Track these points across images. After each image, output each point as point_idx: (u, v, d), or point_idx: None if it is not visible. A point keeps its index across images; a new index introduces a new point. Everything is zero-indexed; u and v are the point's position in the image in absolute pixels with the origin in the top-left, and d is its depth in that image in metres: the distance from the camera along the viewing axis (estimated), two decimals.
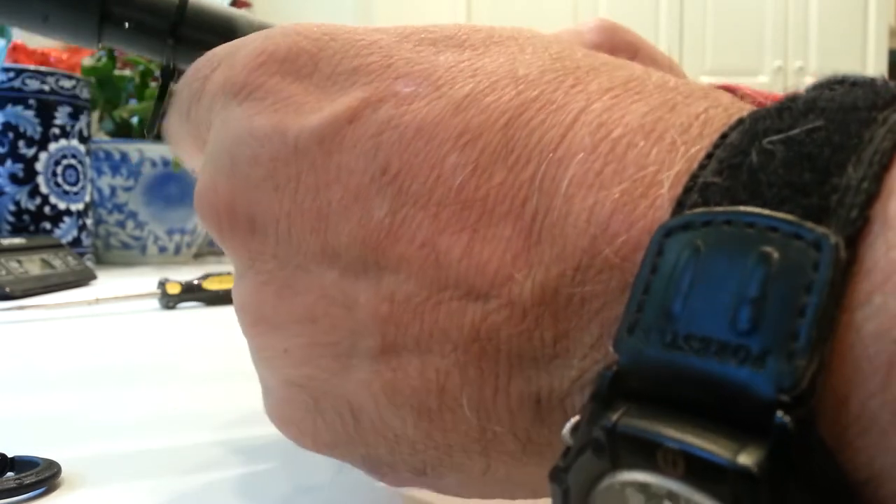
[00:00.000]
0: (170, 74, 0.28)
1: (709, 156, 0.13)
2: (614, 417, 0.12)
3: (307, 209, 0.17)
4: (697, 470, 0.11)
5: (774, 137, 0.12)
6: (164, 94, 0.28)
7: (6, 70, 0.83)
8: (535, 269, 0.14)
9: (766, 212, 0.11)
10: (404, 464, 0.18)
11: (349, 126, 0.17)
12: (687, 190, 0.13)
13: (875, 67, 2.81)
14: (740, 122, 0.13)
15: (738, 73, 2.80)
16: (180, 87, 0.22)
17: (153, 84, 1.01)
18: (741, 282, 0.11)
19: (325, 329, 0.17)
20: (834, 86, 0.13)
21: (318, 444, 0.19)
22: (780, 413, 0.10)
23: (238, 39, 0.20)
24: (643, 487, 0.11)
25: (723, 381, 0.11)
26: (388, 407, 0.17)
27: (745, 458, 0.10)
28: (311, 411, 0.18)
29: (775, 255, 0.11)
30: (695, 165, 0.13)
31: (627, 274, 0.13)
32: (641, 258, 0.13)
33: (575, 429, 0.13)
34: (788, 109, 0.13)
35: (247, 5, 1.17)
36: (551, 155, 0.14)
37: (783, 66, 2.81)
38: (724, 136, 0.13)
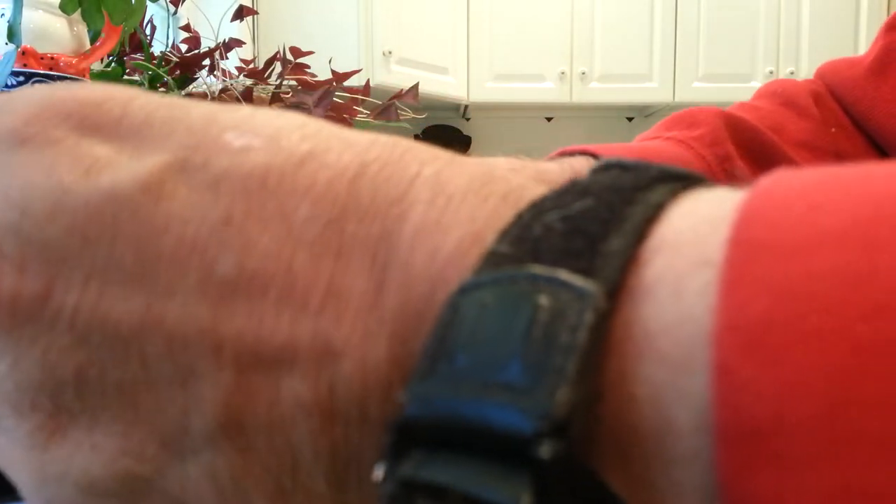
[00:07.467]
0: None
1: (505, 231, 0.14)
2: (407, 469, 0.12)
3: (129, 263, 0.14)
4: None
5: (555, 215, 0.14)
6: None
7: (16, 74, 0.84)
8: (387, 323, 0.14)
9: (541, 269, 0.13)
10: None
11: (180, 174, 0.15)
12: (484, 259, 0.14)
13: None
14: (533, 203, 0.15)
15: (730, 80, 2.83)
16: None
17: (161, 90, 1.04)
18: (516, 328, 0.12)
19: (150, 409, 0.15)
20: (610, 169, 0.15)
21: None
22: (536, 445, 0.11)
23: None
24: None
25: (494, 419, 0.12)
26: (236, 495, 0.15)
27: (513, 493, 0.11)
28: None
29: (546, 303, 0.12)
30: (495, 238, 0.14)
31: None
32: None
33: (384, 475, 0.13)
34: (569, 192, 0.15)
35: (254, 13, 1.20)
36: (396, 209, 0.15)
37: (775, 72, 2.84)
38: (519, 216, 0.15)
